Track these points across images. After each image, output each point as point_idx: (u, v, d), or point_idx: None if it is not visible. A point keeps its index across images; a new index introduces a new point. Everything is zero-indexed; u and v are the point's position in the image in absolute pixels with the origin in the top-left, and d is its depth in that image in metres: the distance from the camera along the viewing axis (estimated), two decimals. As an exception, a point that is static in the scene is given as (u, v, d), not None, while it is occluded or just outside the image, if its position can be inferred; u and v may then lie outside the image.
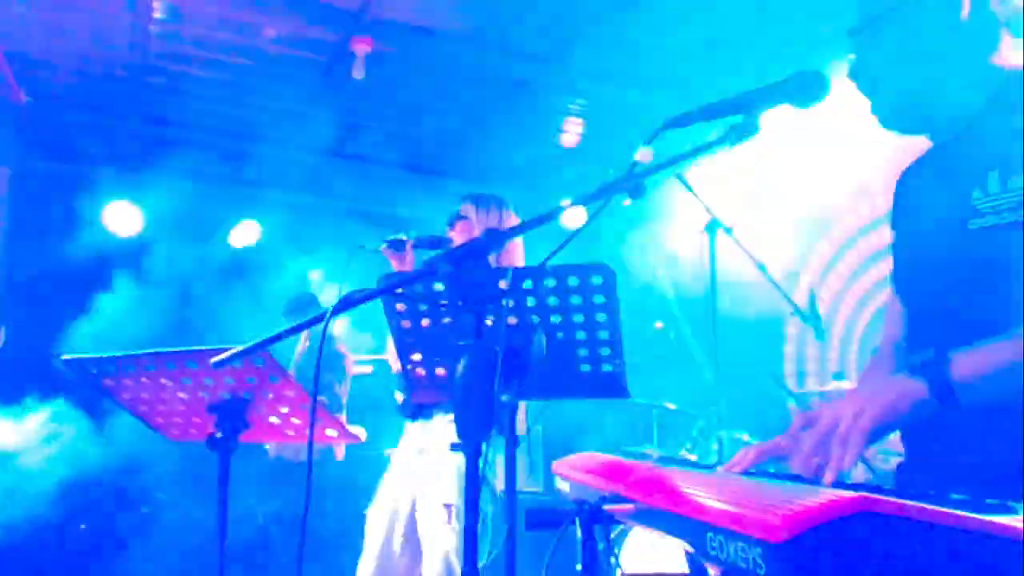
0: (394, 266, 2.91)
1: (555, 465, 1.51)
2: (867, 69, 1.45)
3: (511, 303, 1.90)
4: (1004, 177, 1.21)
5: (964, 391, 1.10)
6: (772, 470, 1.38)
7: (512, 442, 1.90)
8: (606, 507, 1.10)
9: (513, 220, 3.03)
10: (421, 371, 2.11)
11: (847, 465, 1.08)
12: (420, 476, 2.73)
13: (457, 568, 2.54)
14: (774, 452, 1.35)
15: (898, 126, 1.44)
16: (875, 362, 1.61)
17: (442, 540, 2.60)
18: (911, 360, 1.14)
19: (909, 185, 1.51)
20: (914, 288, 1.42)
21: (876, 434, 1.12)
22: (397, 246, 2.86)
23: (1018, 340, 1.10)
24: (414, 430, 2.84)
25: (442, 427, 2.73)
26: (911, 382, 1.13)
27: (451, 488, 2.62)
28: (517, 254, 2.91)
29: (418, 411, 2.80)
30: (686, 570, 1.30)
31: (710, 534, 0.80)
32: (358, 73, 4.47)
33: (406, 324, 2.03)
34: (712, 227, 3.46)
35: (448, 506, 2.61)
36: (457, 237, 2.95)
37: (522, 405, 3.29)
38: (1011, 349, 1.11)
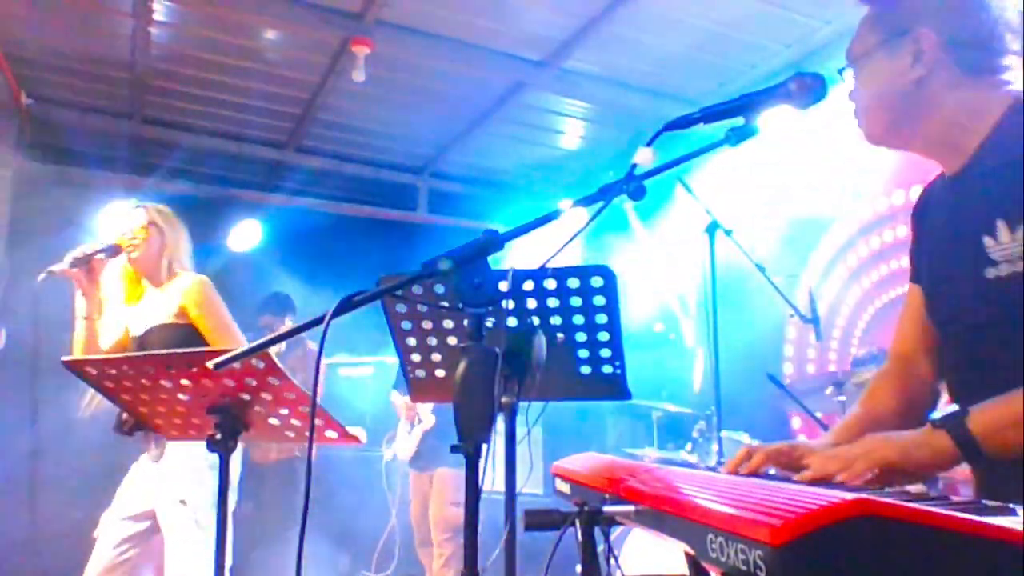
0: (80, 286, 2.87)
1: (554, 466, 1.51)
2: (855, 95, 1.50)
3: (511, 305, 1.90)
4: (1012, 225, 1.23)
5: (986, 444, 1.12)
6: (772, 472, 1.38)
7: (512, 444, 1.90)
8: (606, 508, 1.10)
9: (181, 227, 3.11)
10: (421, 373, 2.11)
11: (841, 479, 1.12)
12: (156, 481, 2.80)
13: (200, 551, 2.61)
14: (777, 459, 1.36)
15: (884, 144, 1.50)
16: (882, 375, 1.62)
17: (180, 532, 2.69)
18: (931, 416, 1.17)
19: (926, 219, 1.52)
20: (942, 326, 1.44)
21: (889, 477, 1.15)
22: (82, 262, 2.84)
23: None
24: (148, 441, 2.87)
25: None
26: (933, 434, 1.16)
27: (184, 486, 2.72)
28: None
29: (136, 427, 2.80)
30: (686, 572, 1.30)
31: (710, 536, 0.80)
32: (358, 75, 4.47)
33: (406, 325, 2.03)
34: (712, 229, 3.46)
35: (182, 501, 2.70)
36: (143, 246, 2.96)
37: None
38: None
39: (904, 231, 4.36)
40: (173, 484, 2.76)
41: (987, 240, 1.26)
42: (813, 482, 1.13)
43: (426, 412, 4.53)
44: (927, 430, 1.16)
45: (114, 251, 2.91)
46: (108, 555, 2.77)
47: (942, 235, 1.43)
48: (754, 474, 1.33)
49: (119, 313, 3.08)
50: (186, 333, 2.85)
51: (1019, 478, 1.19)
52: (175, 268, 3.02)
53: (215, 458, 2.61)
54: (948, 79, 1.37)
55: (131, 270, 3.03)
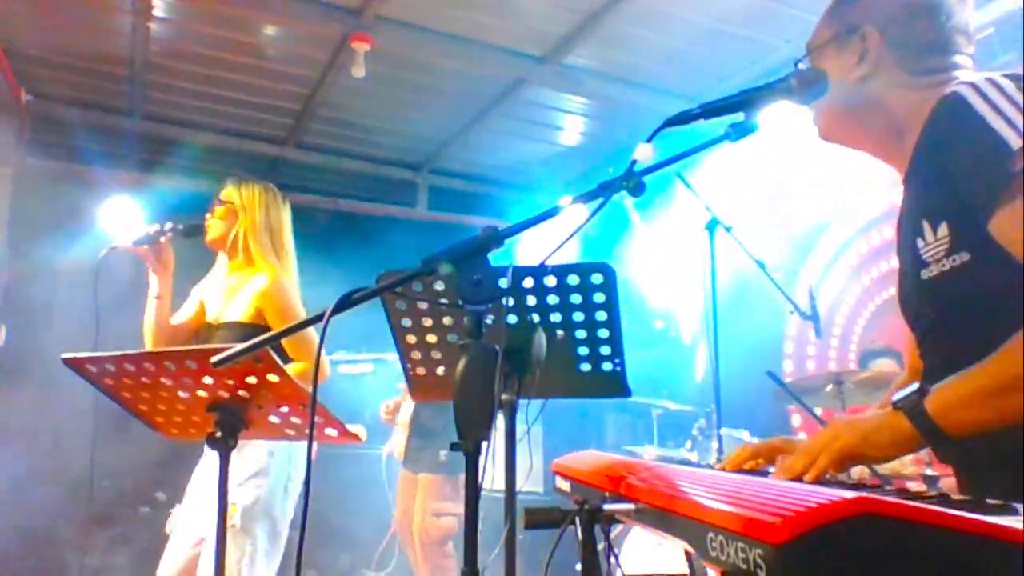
0: (150, 264, 2.78)
1: (555, 465, 1.51)
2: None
3: (511, 302, 1.90)
4: (934, 224, 1.24)
5: (943, 423, 1.11)
6: (772, 471, 1.38)
7: (512, 442, 1.90)
8: (606, 507, 1.10)
9: (281, 206, 2.97)
10: (421, 370, 2.11)
11: (807, 479, 1.13)
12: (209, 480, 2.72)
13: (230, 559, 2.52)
14: (770, 455, 1.37)
15: (834, 140, 1.53)
16: (895, 387, 1.61)
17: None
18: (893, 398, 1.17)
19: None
20: (912, 331, 1.45)
21: (852, 462, 1.16)
22: (149, 240, 2.74)
23: (983, 367, 1.11)
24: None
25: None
26: (893, 415, 1.14)
27: (236, 491, 2.60)
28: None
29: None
30: (686, 571, 1.30)
31: (710, 534, 0.79)
32: (358, 71, 4.46)
33: (406, 322, 2.03)
34: (712, 226, 3.46)
35: (232, 504, 2.59)
36: (217, 224, 2.88)
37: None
38: (977, 378, 1.12)
39: (904, 228, 4.36)
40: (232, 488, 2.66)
41: (919, 242, 1.28)
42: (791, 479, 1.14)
43: (405, 412, 4.49)
44: (888, 412, 1.16)
45: (188, 231, 2.81)
46: (183, 550, 2.71)
47: (900, 246, 1.45)
48: (755, 472, 1.33)
49: (202, 288, 2.98)
50: (257, 333, 2.80)
51: (997, 482, 1.19)
52: (253, 254, 2.87)
53: (269, 462, 2.64)
54: (891, 79, 1.38)
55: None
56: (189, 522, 2.74)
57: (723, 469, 1.39)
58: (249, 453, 2.65)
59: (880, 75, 1.39)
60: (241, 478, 2.65)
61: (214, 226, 2.90)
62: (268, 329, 2.71)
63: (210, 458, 2.81)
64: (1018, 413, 1.07)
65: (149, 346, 2.83)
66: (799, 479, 1.13)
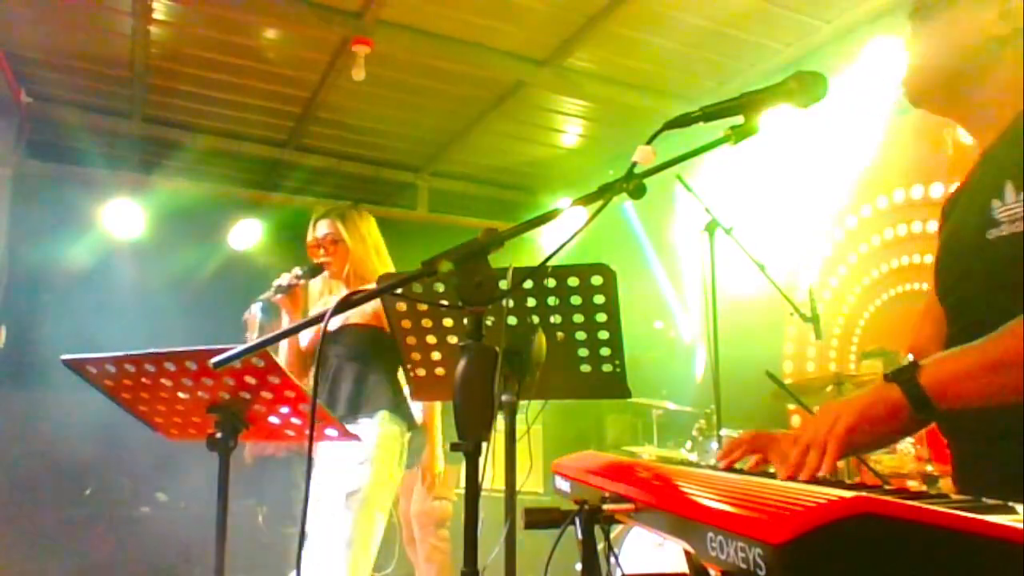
0: (286, 309, 2.96)
1: (555, 465, 1.51)
2: (912, 48, 1.43)
3: (511, 303, 1.90)
4: (1017, 186, 1.21)
5: (937, 396, 1.11)
6: (771, 470, 1.38)
7: (512, 442, 1.90)
8: (606, 507, 1.10)
9: (371, 220, 3.16)
10: (421, 371, 2.12)
11: (825, 471, 1.11)
12: (323, 472, 2.84)
13: (339, 545, 2.67)
14: (766, 446, 1.36)
15: (926, 104, 1.44)
16: None
17: (332, 524, 2.71)
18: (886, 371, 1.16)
19: (955, 200, 1.48)
20: (944, 299, 1.42)
21: (856, 440, 1.14)
22: (286, 289, 2.93)
23: (984, 342, 1.11)
24: None
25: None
26: (885, 387, 1.14)
27: (349, 479, 2.75)
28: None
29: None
30: (686, 570, 1.30)
31: (710, 534, 0.80)
32: (358, 74, 4.47)
33: (406, 324, 2.04)
34: (712, 227, 3.46)
35: (349, 494, 2.73)
36: (333, 260, 3.02)
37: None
38: (976, 354, 1.12)
39: (905, 230, 4.37)
40: (338, 475, 2.77)
41: (995, 203, 1.24)
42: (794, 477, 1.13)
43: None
44: (880, 384, 1.15)
45: (313, 272, 3.00)
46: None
47: (957, 213, 1.40)
48: (755, 472, 1.33)
49: (316, 310, 3.11)
50: (374, 335, 2.90)
51: (991, 470, 1.20)
52: (367, 275, 3.04)
53: (376, 453, 2.78)
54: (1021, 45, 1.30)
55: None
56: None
57: (726, 468, 1.39)
58: (359, 444, 2.76)
59: (1015, 39, 1.29)
60: (348, 465, 2.76)
61: (331, 262, 3.03)
62: (385, 332, 2.82)
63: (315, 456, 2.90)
64: (1013, 392, 1.07)
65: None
66: (813, 474, 1.12)
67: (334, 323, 2.96)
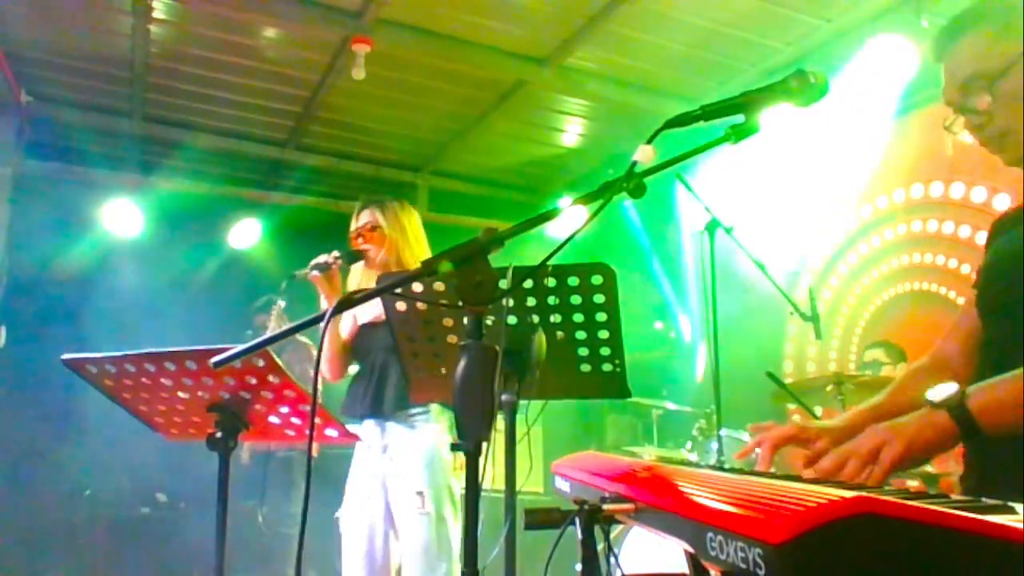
0: (323, 291, 2.93)
1: (555, 465, 1.51)
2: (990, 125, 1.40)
3: (511, 303, 1.90)
4: None
5: (984, 423, 1.13)
6: (774, 470, 1.38)
7: (512, 442, 1.90)
8: (606, 507, 1.10)
9: (414, 213, 3.13)
10: (422, 371, 2.11)
11: (871, 483, 1.12)
12: (386, 473, 2.85)
13: (434, 550, 2.72)
14: (790, 440, 1.36)
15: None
16: (917, 370, 1.60)
17: (418, 527, 2.75)
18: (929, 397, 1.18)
19: (1013, 218, 1.48)
20: (986, 311, 1.43)
21: (905, 463, 1.15)
22: (323, 268, 2.90)
23: None
24: (369, 432, 2.89)
25: (397, 426, 2.86)
26: (933, 414, 1.16)
27: (419, 477, 2.77)
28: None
29: (367, 413, 2.86)
30: (686, 570, 1.30)
31: (710, 534, 0.79)
32: (358, 73, 4.47)
33: (406, 323, 2.03)
34: (712, 227, 3.46)
35: (419, 493, 2.75)
36: (374, 249, 3.00)
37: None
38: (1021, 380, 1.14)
39: (905, 230, 4.36)
40: (408, 476, 2.79)
41: None
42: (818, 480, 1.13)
43: None
44: (927, 411, 1.17)
45: (351, 258, 2.98)
46: (360, 550, 2.87)
47: (1016, 231, 1.39)
48: (755, 472, 1.33)
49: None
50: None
51: (1009, 468, 1.20)
52: (403, 264, 3.03)
53: (443, 450, 2.81)
54: None
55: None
56: (360, 519, 2.88)
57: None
58: (421, 440, 2.79)
59: None
60: (420, 466, 2.79)
61: (368, 250, 3.02)
62: None
63: (362, 454, 2.95)
64: None
65: (327, 364, 2.99)
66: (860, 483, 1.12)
67: (374, 314, 2.96)
